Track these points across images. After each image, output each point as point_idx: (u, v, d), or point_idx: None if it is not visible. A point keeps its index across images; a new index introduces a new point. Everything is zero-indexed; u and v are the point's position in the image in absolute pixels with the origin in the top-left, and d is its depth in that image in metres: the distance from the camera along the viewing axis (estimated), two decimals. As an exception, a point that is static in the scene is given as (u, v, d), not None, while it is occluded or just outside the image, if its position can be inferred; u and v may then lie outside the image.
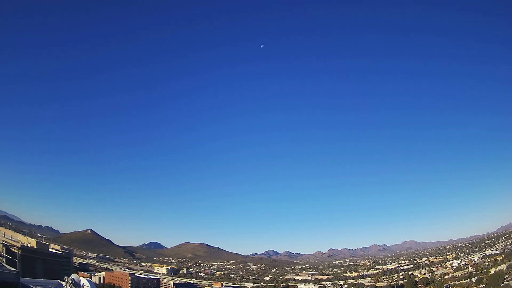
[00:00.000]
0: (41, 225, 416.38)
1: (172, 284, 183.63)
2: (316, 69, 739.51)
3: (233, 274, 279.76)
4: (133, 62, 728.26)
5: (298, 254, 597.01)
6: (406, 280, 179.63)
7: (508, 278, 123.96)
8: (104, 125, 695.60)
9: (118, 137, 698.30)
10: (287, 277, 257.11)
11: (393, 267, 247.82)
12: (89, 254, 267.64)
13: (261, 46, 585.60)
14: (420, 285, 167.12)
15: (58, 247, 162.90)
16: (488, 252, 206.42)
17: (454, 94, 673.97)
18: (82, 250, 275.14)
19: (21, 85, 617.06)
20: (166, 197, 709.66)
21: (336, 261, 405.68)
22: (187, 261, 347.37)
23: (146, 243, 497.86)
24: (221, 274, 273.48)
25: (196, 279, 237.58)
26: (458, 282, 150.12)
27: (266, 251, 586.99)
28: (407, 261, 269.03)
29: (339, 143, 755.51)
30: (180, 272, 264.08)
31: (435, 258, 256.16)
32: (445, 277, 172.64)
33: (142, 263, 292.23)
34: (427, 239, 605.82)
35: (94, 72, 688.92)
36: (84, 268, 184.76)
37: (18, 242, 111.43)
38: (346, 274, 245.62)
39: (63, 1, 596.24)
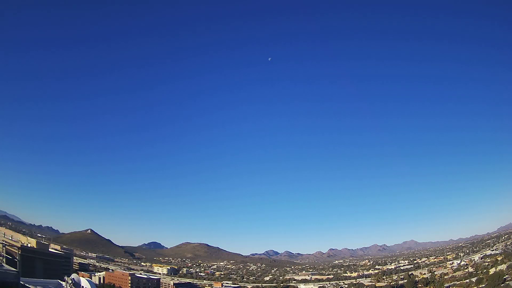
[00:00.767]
0: (41, 225, 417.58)
1: (172, 284, 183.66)
2: (317, 73, 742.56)
3: (233, 274, 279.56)
4: (136, 62, 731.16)
5: (298, 254, 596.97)
6: (406, 280, 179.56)
7: (508, 278, 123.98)
8: (105, 126, 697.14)
9: (118, 138, 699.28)
10: (287, 277, 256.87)
11: (393, 267, 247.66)
12: (89, 254, 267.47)
13: (269, 59, 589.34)
14: (420, 285, 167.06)
15: (58, 247, 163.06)
16: (488, 252, 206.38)
17: (454, 97, 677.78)
18: (82, 250, 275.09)
19: (21, 84, 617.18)
20: (166, 197, 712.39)
21: (336, 261, 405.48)
22: (187, 261, 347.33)
23: (146, 243, 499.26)
24: (221, 274, 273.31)
25: (196, 279, 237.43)
26: (458, 282, 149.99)
27: (266, 251, 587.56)
28: (407, 261, 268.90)
29: (339, 145, 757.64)
30: (180, 272, 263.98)
31: (435, 258, 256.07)
32: (445, 277, 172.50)
33: (142, 263, 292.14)
34: (427, 239, 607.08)
35: (95, 71, 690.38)
36: (84, 268, 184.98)
37: (18, 242, 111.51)
38: (346, 274, 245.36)
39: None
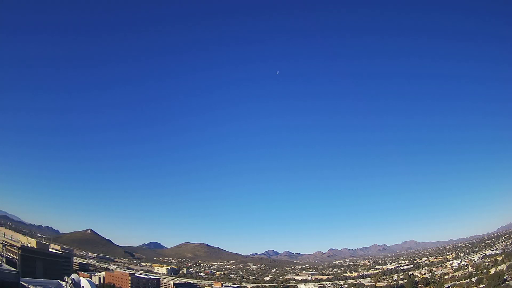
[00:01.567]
0: (41, 225, 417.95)
1: (172, 284, 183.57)
2: (317, 71, 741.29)
3: (233, 274, 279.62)
4: (135, 58, 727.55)
5: (298, 254, 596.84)
6: (406, 280, 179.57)
7: (508, 278, 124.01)
8: (105, 125, 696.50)
9: (118, 137, 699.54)
10: (287, 277, 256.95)
11: (393, 267, 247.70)
12: (89, 254, 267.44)
13: (277, 72, 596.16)
14: (420, 285, 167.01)
15: (58, 247, 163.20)
16: (488, 252, 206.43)
17: (454, 95, 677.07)
18: (82, 250, 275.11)
19: (16, 79, 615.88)
20: (166, 197, 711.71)
21: (336, 261, 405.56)
22: (187, 261, 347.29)
23: (146, 243, 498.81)
24: (221, 274, 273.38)
25: (196, 279, 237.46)
26: (458, 282, 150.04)
27: (266, 251, 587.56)
28: (407, 261, 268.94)
29: (339, 144, 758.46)
30: (180, 272, 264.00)
31: (435, 258, 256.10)
32: (445, 277, 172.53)
33: (142, 263, 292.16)
34: (427, 239, 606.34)
35: (96, 71, 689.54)
36: (84, 268, 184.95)
37: (18, 242, 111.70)
38: (346, 274, 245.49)
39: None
